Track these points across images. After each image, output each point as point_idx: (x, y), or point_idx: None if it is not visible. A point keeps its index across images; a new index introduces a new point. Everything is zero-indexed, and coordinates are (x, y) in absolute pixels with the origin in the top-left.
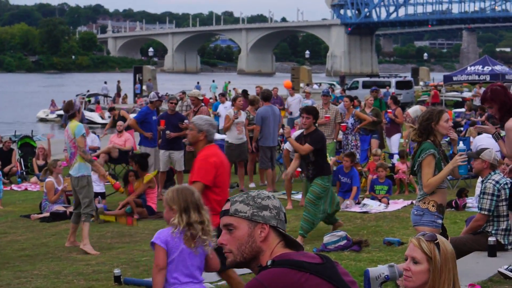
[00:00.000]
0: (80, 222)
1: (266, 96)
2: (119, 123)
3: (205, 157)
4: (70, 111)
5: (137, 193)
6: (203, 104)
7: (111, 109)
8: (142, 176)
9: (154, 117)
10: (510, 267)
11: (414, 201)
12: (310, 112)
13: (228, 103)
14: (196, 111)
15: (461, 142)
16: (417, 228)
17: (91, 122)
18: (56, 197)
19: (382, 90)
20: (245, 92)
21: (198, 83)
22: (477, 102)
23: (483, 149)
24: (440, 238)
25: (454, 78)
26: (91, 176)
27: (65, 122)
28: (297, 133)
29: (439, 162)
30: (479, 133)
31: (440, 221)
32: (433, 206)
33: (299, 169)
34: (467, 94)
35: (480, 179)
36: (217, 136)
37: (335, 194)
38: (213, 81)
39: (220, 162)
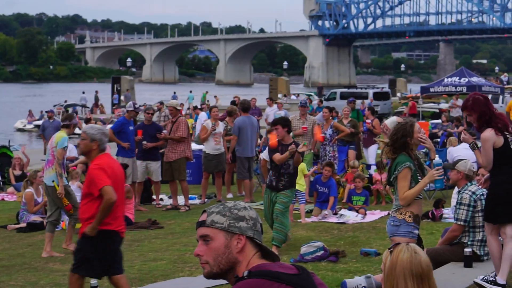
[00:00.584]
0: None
1: (246, 107)
2: None
3: (98, 166)
4: (66, 121)
5: None
6: (180, 114)
7: (87, 120)
8: None
9: (131, 127)
10: (486, 278)
11: (390, 212)
12: (276, 123)
13: (202, 114)
14: (174, 122)
15: (437, 156)
16: (394, 238)
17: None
18: (36, 209)
19: (366, 101)
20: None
21: (174, 93)
22: (453, 113)
23: (459, 160)
24: (400, 248)
25: (431, 90)
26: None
27: (42, 133)
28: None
29: (415, 174)
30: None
31: (416, 231)
32: (409, 216)
33: None
34: (444, 106)
35: (456, 189)
36: (195, 146)
37: None
38: (191, 91)
39: (112, 172)
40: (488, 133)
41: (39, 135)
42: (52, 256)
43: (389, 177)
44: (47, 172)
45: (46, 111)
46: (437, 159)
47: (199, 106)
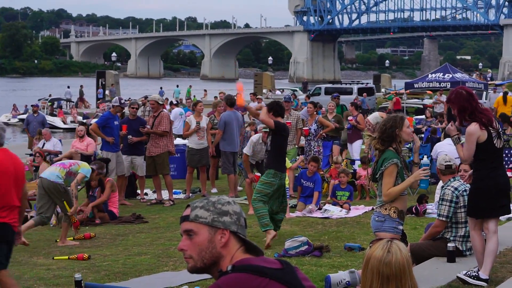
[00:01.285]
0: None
1: (231, 102)
2: (79, 128)
3: None
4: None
5: (103, 198)
6: (164, 109)
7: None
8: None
9: (116, 122)
10: (469, 273)
11: (374, 207)
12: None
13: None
14: (156, 116)
15: (425, 157)
16: (378, 234)
17: (53, 126)
18: None
19: (360, 98)
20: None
21: (161, 88)
22: (437, 109)
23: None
24: (378, 244)
25: (415, 85)
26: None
27: (27, 127)
28: (255, 137)
29: (401, 170)
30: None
31: (401, 227)
32: (394, 212)
33: (258, 174)
34: (428, 101)
35: (440, 185)
36: (179, 141)
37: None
38: (177, 86)
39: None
40: (473, 127)
41: (24, 129)
42: (67, 245)
43: (374, 173)
44: (54, 169)
45: (31, 105)
46: (425, 159)
47: (175, 102)
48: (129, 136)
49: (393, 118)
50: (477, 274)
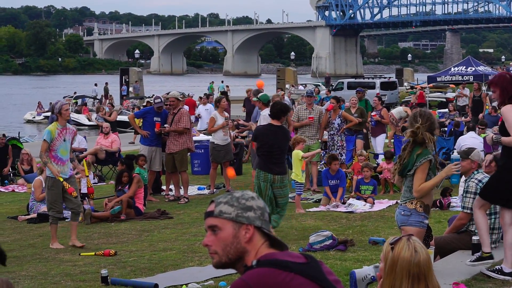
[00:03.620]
0: (76, 220)
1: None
2: (105, 124)
3: None
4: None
5: (130, 193)
6: (183, 106)
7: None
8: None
9: (156, 118)
10: (492, 268)
11: (398, 201)
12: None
13: (209, 105)
14: (175, 113)
15: (455, 151)
16: (404, 228)
17: (78, 123)
18: (43, 196)
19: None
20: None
21: (222, 82)
22: (460, 102)
23: (471, 149)
24: (402, 245)
25: (438, 79)
26: (52, 178)
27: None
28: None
29: (433, 167)
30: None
31: (426, 221)
32: (420, 206)
33: None
34: (451, 95)
35: (463, 178)
36: (203, 137)
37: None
38: (222, 81)
39: None
40: (510, 107)
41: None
42: (75, 245)
43: (405, 167)
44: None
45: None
46: (455, 154)
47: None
48: (166, 125)
49: (434, 119)
50: (500, 268)
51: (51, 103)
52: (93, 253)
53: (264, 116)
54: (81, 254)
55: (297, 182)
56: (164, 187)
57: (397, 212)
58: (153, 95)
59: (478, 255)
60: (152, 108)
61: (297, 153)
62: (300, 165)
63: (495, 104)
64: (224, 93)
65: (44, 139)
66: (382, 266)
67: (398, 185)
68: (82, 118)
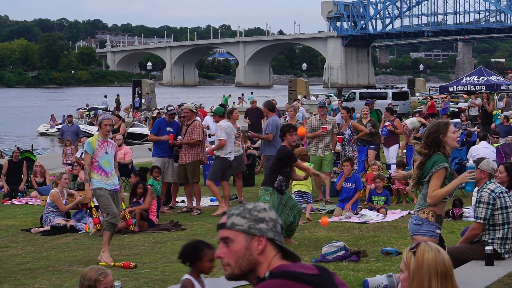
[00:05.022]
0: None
1: (273, 107)
2: (118, 136)
3: None
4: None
5: (145, 205)
6: (197, 118)
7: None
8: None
9: (169, 129)
10: None
11: (412, 211)
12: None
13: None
14: (189, 124)
15: (470, 160)
16: (415, 237)
17: (91, 135)
18: (68, 207)
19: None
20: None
21: (251, 93)
22: (472, 112)
23: (480, 159)
24: (423, 247)
25: (450, 89)
26: (101, 188)
27: (61, 137)
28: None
29: (450, 175)
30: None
31: (438, 231)
32: (432, 216)
33: None
34: (463, 105)
35: (476, 188)
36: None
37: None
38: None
39: None
40: None
41: (59, 139)
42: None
43: (422, 175)
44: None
45: (67, 116)
46: (470, 162)
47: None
48: (179, 137)
49: (437, 124)
50: None
51: (64, 115)
52: (112, 263)
53: (220, 127)
54: (99, 263)
55: (306, 192)
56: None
57: (410, 221)
58: (164, 106)
59: None
60: (163, 119)
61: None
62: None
63: (506, 113)
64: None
65: (86, 151)
66: (405, 275)
67: (410, 194)
68: (94, 130)
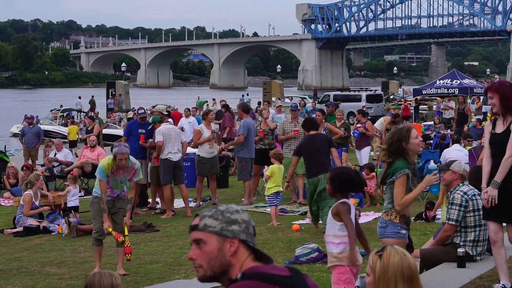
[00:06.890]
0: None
1: (248, 109)
2: (92, 137)
3: None
4: None
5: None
6: (168, 120)
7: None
8: None
9: (141, 130)
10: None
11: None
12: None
13: (192, 118)
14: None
15: (431, 162)
16: (382, 240)
17: (65, 137)
18: (32, 213)
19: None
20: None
21: (247, 95)
22: (446, 115)
23: (452, 161)
24: (389, 251)
25: (424, 92)
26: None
27: (22, 138)
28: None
29: (409, 180)
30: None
31: (404, 231)
32: (395, 217)
33: None
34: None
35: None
36: (189, 150)
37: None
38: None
39: None
40: None
41: (19, 140)
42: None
43: (383, 178)
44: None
45: (27, 118)
46: (432, 164)
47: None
48: (150, 140)
49: (399, 131)
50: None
51: (37, 116)
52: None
53: (157, 131)
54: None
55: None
56: (149, 200)
57: (377, 225)
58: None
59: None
60: (136, 121)
61: (274, 167)
62: (276, 177)
63: (479, 117)
64: (226, 106)
65: (99, 179)
66: (371, 279)
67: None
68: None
